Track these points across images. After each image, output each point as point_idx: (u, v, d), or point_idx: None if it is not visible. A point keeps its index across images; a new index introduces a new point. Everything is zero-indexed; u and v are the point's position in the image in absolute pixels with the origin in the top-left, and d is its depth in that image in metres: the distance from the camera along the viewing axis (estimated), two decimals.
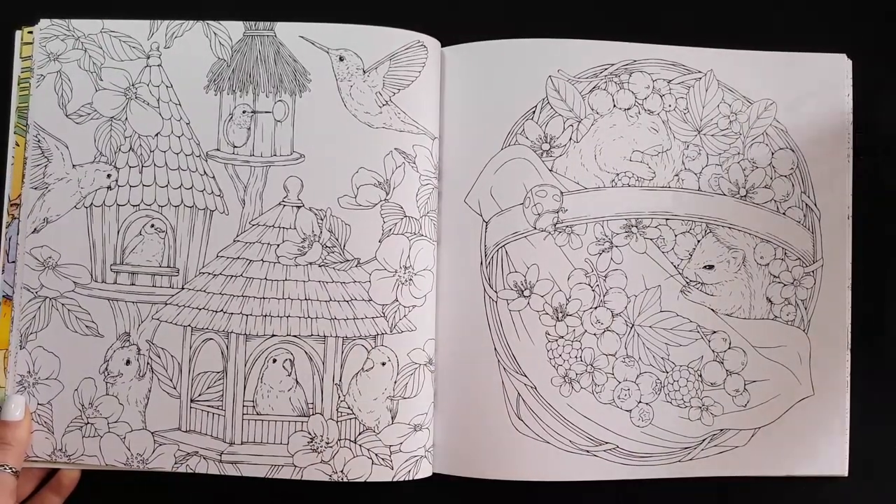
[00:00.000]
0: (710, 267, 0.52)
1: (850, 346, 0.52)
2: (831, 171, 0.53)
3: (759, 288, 0.52)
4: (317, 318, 0.49)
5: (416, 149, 0.51)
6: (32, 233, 0.50)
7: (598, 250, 0.52)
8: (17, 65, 0.52)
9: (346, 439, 0.49)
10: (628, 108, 0.52)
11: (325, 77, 0.51)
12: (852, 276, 0.53)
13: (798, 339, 0.52)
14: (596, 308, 0.51)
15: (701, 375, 0.51)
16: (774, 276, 0.52)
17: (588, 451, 0.51)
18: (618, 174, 0.52)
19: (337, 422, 0.49)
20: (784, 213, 0.52)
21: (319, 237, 0.50)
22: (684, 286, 0.52)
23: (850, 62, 0.53)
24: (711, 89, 0.53)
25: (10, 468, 0.47)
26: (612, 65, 0.52)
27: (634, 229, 0.52)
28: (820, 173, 0.53)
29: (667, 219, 0.52)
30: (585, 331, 0.51)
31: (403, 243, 0.50)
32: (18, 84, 0.51)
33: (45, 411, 0.50)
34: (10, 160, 0.51)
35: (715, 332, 0.52)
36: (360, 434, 0.49)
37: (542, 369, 0.51)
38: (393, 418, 0.49)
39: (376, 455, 0.49)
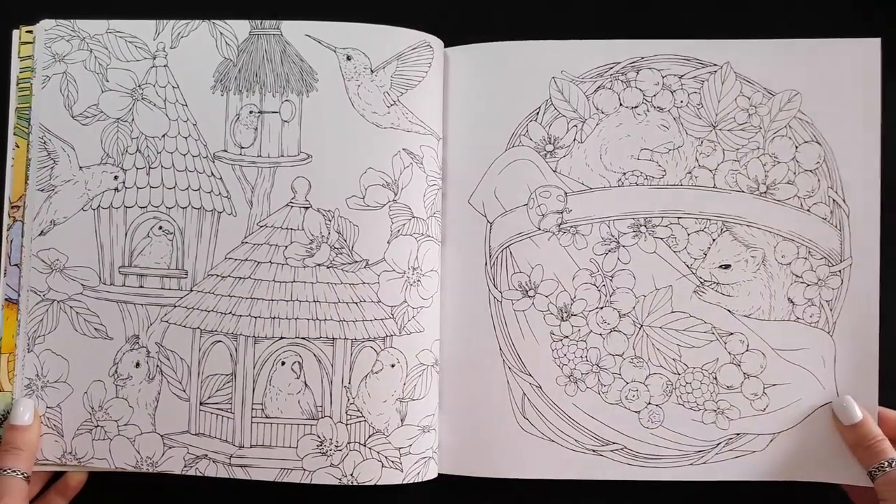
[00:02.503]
0: (727, 266, 0.52)
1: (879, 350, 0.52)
2: (863, 165, 0.52)
3: (780, 288, 0.52)
4: (325, 319, 0.50)
5: (423, 149, 0.51)
6: (39, 235, 0.51)
7: (605, 250, 0.53)
8: (16, 65, 0.52)
9: (355, 442, 0.50)
10: (636, 107, 0.53)
11: (333, 76, 0.51)
12: (880, 276, 0.52)
13: (822, 341, 0.52)
14: (602, 308, 0.52)
15: (716, 378, 0.52)
16: (797, 276, 0.52)
17: (594, 451, 0.52)
18: (624, 173, 0.53)
19: (346, 425, 0.50)
20: (808, 210, 0.52)
21: (328, 238, 0.50)
22: (698, 286, 0.52)
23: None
24: (728, 82, 0.53)
25: (22, 473, 0.48)
26: (618, 63, 0.53)
27: (643, 228, 0.53)
28: (850, 167, 0.52)
29: (679, 217, 0.53)
30: (591, 331, 0.52)
31: (411, 244, 0.51)
32: (17, 84, 0.52)
33: (54, 414, 0.51)
34: (9, 162, 0.52)
35: (731, 333, 0.52)
36: (369, 437, 0.50)
37: (547, 369, 0.52)
38: (402, 420, 0.50)
39: (386, 458, 0.50)
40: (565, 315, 0.52)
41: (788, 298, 0.52)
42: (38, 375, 0.51)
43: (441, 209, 0.53)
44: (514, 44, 0.53)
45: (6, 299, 0.51)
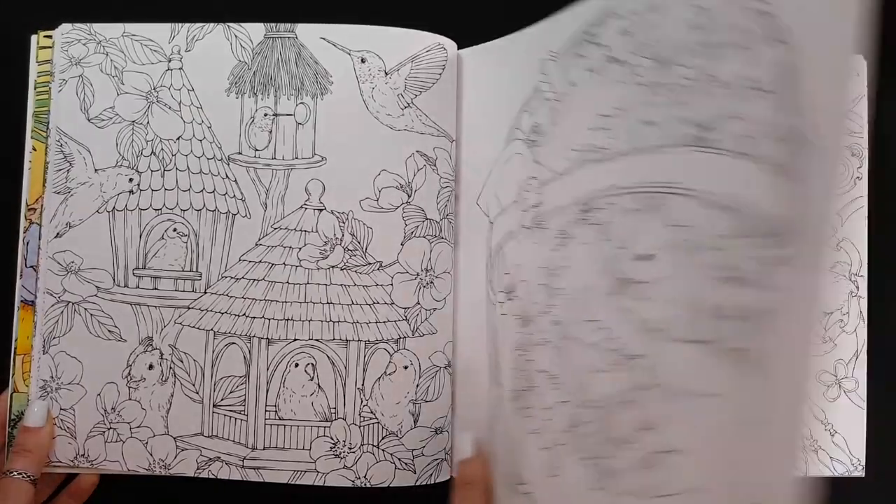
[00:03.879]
0: (650, 257, 0.38)
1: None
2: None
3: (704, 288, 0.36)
4: (339, 321, 0.50)
5: (437, 151, 0.52)
6: (55, 237, 0.52)
7: (556, 244, 0.44)
8: (34, 69, 0.53)
9: (368, 444, 0.50)
10: (599, 68, 0.44)
11: (347, 79, 0.52)
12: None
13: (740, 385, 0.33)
14: (546, 313, 0.44)
15: (608, 423, 0.38)
16: (730, 268, 0.35)
17: None
18: (583, 150, 0.43)
19: (360, 426, 0.50)
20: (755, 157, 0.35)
21: (341, 240, 0.51)
22: (614, 286, 0.40)
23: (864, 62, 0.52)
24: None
25: (29, 476, 0.48)
26: (590, 23, 0.45)
27: (588, 214, 0.42)
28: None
29: (617, 194, 0.41)
30: (536, 341, 0.45)
31: (425, 246, 0.51)
32: (36, 89, 0.52)
33: (67, 416, 0.51)
34: (27, 165, 0.52)
35: (634, 357, 0.37)
36: (382, 439, 0.50)
37: (512, 379, 0.47)
38: (415, 422, 0.50)
39: (399, 459, 0.50)
40: (525, 321, 0.46)
41: (714, 304, 0.35)
42: (52, 377, 0.51)
43: (454, 211, 0.53)
44: (514, 36, 0.51)
45: (22, 301, 0.52)
